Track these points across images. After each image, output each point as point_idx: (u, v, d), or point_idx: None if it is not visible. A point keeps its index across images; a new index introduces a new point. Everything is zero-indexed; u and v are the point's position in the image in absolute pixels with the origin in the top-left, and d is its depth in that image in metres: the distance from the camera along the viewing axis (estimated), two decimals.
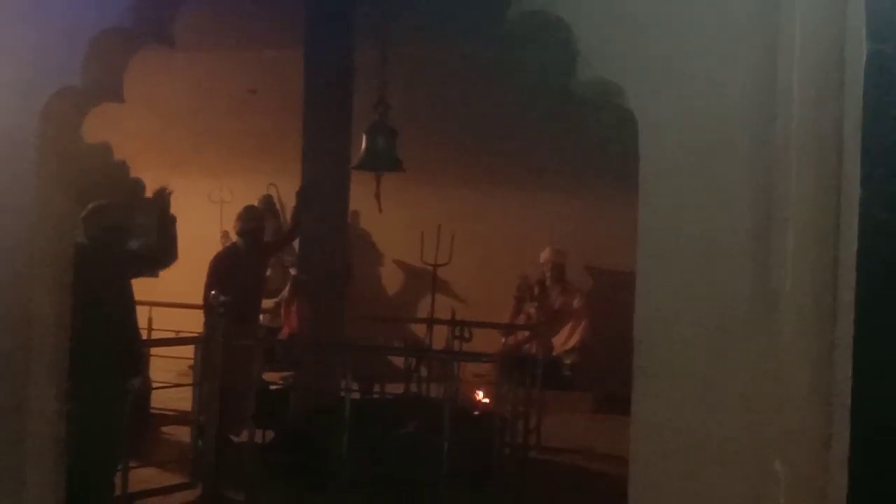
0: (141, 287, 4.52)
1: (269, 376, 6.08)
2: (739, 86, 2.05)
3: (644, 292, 2.57)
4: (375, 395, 6.08)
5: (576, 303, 7.85)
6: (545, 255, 7.97)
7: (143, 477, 4.71)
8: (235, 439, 5.56)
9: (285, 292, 6.70)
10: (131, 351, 3.96)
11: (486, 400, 5.63)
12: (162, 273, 9.09)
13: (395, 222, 8.44)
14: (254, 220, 5.96)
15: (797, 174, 1.91)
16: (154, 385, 5.88)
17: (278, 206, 8.97)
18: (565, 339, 7.71)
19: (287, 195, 8.07)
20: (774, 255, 2.07)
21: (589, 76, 2.19)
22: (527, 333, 7.00)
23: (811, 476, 1.86)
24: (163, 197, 4.09)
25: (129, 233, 4.12)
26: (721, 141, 2.06)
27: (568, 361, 7.59)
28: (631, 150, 2.24)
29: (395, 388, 6.26)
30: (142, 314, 4.41)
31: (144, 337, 5.35)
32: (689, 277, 2.44)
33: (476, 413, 5.56)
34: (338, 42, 5.95)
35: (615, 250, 7.99)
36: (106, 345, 3.77)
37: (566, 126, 7.69)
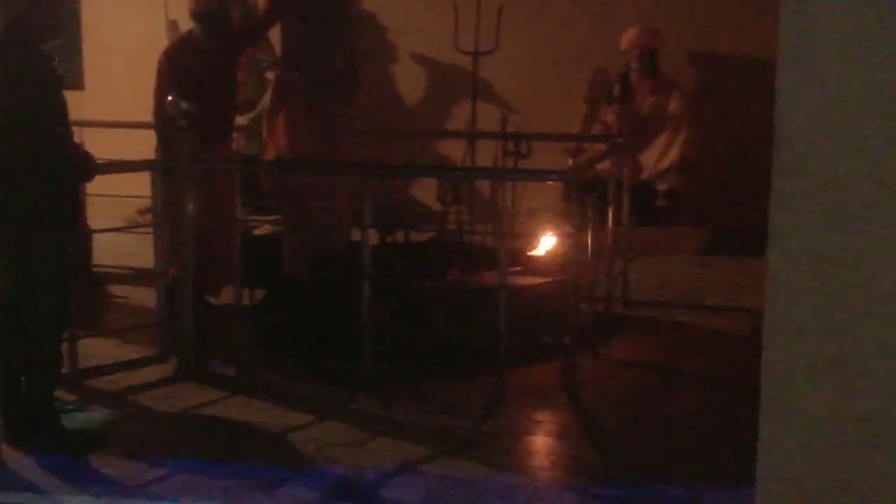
0: None
1: (253, 220, 6.24)
2: None
3: (788, 72, 2.55)
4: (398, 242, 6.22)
5: (673, 105, 7.80)
6: (629, 37, 7.84)
7: (98, 350, 4.94)
8: (213, 301, 5.78)
9: (266, 100, 6.70)
10: (72, 179, 4.04)
11: (552, 239, 5.72)
12: (90, 83, 9.24)
13: None
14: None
15: None
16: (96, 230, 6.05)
17: None
18: (659, 156, 7.73)
19: None
20: None
21: None
22: (604, 148, 6.99)
23: None
24: None
25: (55, 18, 4.10)
26: None
27: (663, 187, 7.64)
28: None
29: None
30: None
31: None
32: (853, 44, 2.41)
33: (538, 257, 5.68)
34: None
35: (732, 29, 7.92)
36: (37, 175, 3.85)
37: None
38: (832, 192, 2.54)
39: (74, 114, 5.74)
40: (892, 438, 2.56)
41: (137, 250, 6.00)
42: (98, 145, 6.25)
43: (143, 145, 5.93)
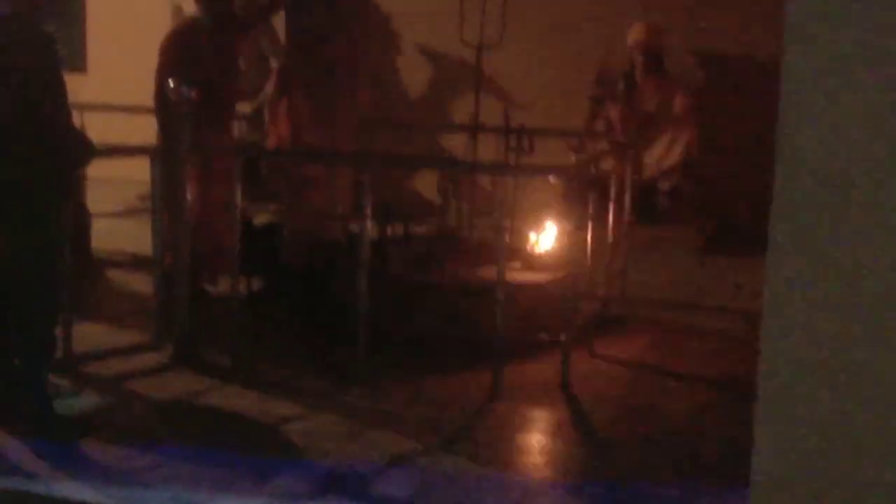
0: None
1: (252, 209, 6.23)
2: None
3: (794, 68, 2.54)
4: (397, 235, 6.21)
5: (678, 104, 7.77)
6: (635, 33, 7.81)
7: (92, 335, 4.93)
8: (211, 289, 5.78)
9: (269, 88, 6.70)
10: (68, 158, 4.02)
11: (551, 236, 5.71)
12: (93, 66, 9.23)
13: None
14: None
15: None
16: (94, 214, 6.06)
17: None
18: (662, 156, 7.71)
19: None
20: None
21: None
22: (607, 146, 6.98)
23: None
24: None
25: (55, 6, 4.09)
26: None
27: (665, 186, 7.63)
28: None
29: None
30: None
31: None
32: (858, 46, 2.40)
33: (538, 253, 5.67)
34: None
35: (738, 29, 7.89)
36: (35, 156, 3.84)
37: None
38: (834, 194, 2.53)
39: (76, 96, 5.74)
40: (887, 444, 2.55)
41: (137, 235, 5.99)
42: (100, 128, 6.25)
43: (146, 129, 5.93)
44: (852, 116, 2.50)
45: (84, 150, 4.18)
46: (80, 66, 9.12)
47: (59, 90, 3.92)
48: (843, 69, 2.50)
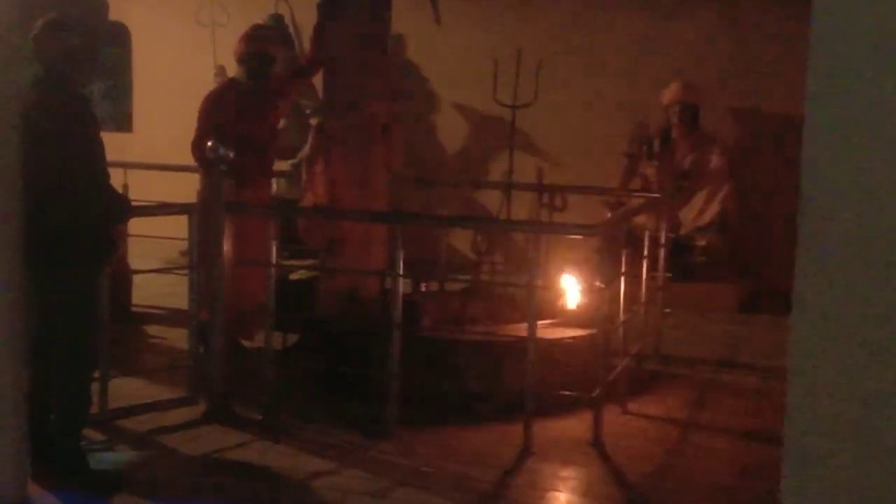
0: (112, 145, 4.61)
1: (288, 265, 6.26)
2: None
3: (815, 131, 2.53)
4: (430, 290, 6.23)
5: (714, 161, 7.77)
6: (671, 92, 7.84)
7: (128, 390, 4.96)
8: (247, 344, 5.80)
9: (306, 149, 6.76)
10: (106, 219, 4.08)
11: (584, 292, 5.68)
12: (138, 127, 9.41)
13: (456, 49, 8.39)
14: (262, 43, 5.98)
15: None
16: (134, 270, 6.13)
17: (292, 29, 8.96)
18: (698, 213, 7.68)
19: (304, 14, 8.04)
20: None
21: None
22: (643, 203, 6.96)
23: None
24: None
25: (95, 61, 4.18)
26: None
27: (702, 243, 7.59)
28: None
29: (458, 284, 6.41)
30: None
31: None
32: (880, 105, 2.39)
33: (570, 309, 5.65)
34: None
35: (771, 87, 7.88)
36: (71, 214, 3.90)
37: None
38: (855, 254, 2.51)
39: (122, 155, 5.86)
40: None
41: (177, 290, 6.04)
42: (143, 186, 6.37)
43: (188, 187, 6.01)
44: (873, 173, 2.49)
45: (119, 208, 4.25)
46: (126, 125, 9.29)
47: (94, 149, 3.99)
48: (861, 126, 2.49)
